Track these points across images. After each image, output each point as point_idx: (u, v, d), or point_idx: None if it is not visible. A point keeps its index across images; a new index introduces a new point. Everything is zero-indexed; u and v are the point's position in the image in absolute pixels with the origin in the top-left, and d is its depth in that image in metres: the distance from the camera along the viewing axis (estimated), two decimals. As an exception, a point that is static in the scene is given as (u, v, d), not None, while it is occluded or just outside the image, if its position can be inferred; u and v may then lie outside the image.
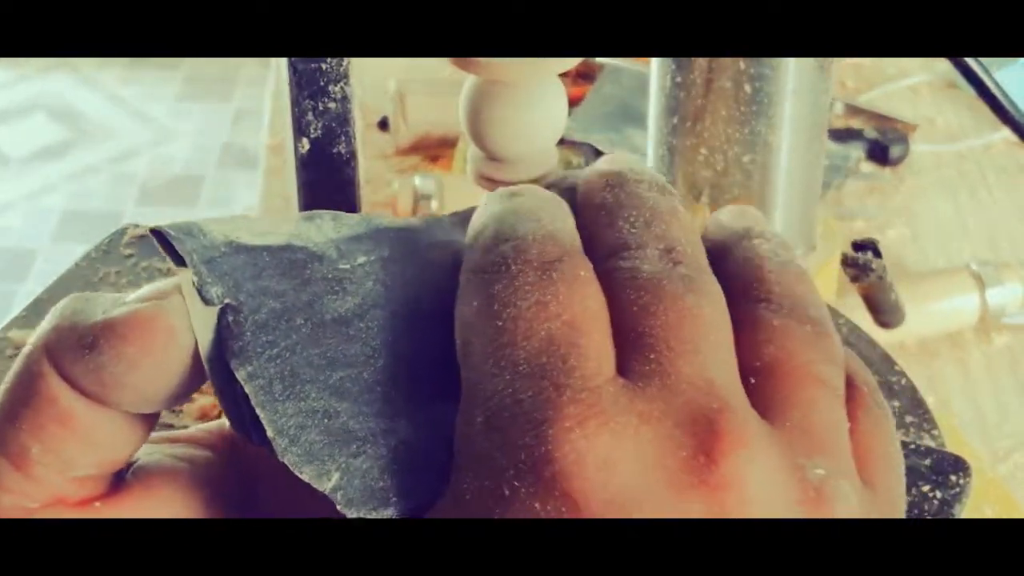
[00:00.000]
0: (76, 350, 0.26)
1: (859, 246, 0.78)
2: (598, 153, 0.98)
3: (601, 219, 0.29)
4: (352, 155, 0.39)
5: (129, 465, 0.29)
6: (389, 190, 0.98)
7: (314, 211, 0.30)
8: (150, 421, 0.28)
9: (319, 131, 0.38)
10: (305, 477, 0.26)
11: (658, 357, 0.26)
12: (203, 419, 0.60)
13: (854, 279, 0.76)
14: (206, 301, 0.27)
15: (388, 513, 0.26)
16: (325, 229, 0.30)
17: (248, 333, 0.27)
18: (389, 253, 0.30)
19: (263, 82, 2.09)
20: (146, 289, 0.27)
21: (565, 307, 0.26)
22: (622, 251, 0.28)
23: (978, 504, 0.71)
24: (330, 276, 0.29)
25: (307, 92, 0.37)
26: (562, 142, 0.63)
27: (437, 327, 0.28)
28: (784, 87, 0.64)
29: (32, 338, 0.27)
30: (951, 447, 0.46)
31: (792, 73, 0.64)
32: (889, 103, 1.12)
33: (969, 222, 0.99)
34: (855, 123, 1.08)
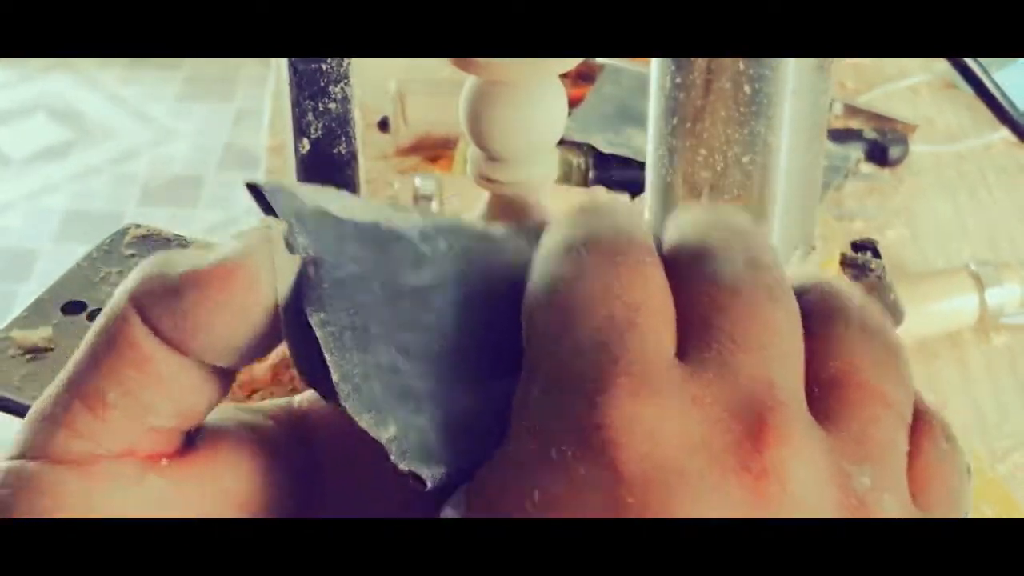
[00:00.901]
0: (161, 296, 0.27)
1: (858, 246, 0.78)
2: (598, 153, 0.98)
3: (689, 242, 0.29)
4: (353, 155, 0.39)
5: (201, 428, 0.29)
6: (389, 190, 0.98)
7: (404, 204, 0.31)
8: (227, 378, 0.29)
9: (319, 131, 0.38)
10: (363, 424, 0.27)
11: (720, 348, 0.26)
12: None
13: (853, 279, 0.76)
14: (292, 249, 0.28)
15: (439, 471, 0.27)
16: (412, 218, 0.31)
17: (326, 284, 0.28)
18: (471, 245, 0.31)
19: (264, 82, 2.09)
20: (233, 241, 0.28)
21: (627, 289, 0.27)
22: (707, 255, 0.28)
23: (977, 504, 0.71)
24: (411, 255, 0.30)
25: (307, 93, 0.37)
26: (562, 142, 0.63)
27: (509, 312, 0.29)
28: (783, 88, 0.64)
29: (119, 289, 0.28)
30: (950, 446, 0.46)
31: (791, 74, 0.64)
32: (888, 104, 1.12)
33: (968, 222, 0.99)
34: (854, 124, 1.08)
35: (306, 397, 0.32)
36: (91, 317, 0.50)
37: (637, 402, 0.25)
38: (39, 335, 0.49)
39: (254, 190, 0.29)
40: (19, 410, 0.47)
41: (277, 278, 0.28)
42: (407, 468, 0.27)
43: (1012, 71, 1.09)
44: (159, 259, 0.28)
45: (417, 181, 0.93)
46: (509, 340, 0.28)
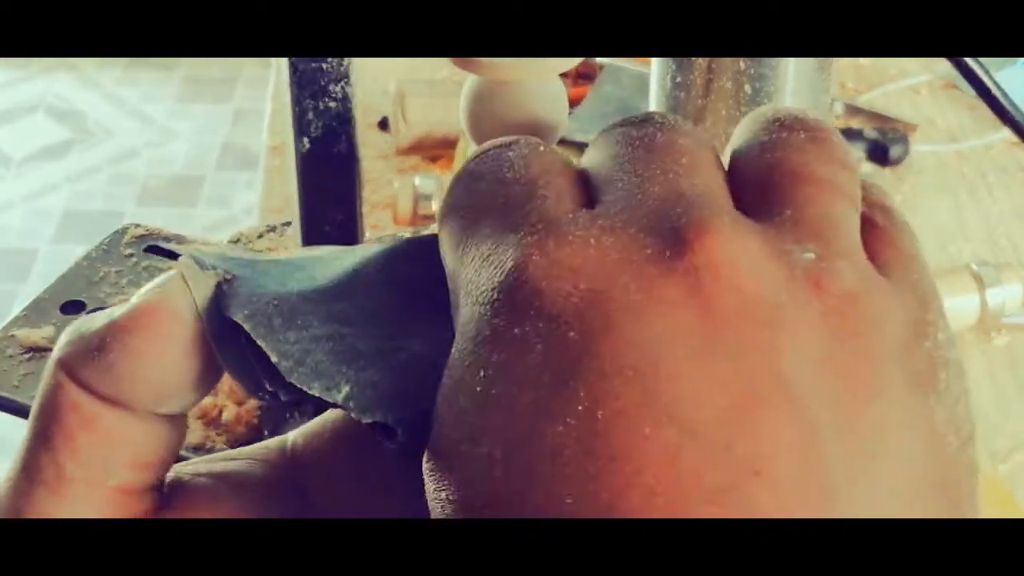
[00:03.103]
0: (86, 355, 0.27)
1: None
2: (598, 153, 0.98)
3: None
4: (353, 155, 0.39)
5: (174, 486, 0.29)
6: (389, 190, 0.98)
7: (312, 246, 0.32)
8: (178, 422, 0.28)
9: (320, 131, 0.38)
10: (315, 392, 0.26)
11: (625, 184, 0.26)
12: (204, 418, 0.60)
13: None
14: (203, 267, 0.28)
15: (404, 415, 0.26)
16: (322, 249, 0.30)
17: (242, 291, 0.27)
18: (374, 247, 0.31)
19: (264, 82, 2.10)
20: (146, 286, 0.28)
21: (530, 163, 0.27)
22: (601, 136, 0.29)
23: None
24: (327, 261, 0.29)
25: (308, 92, 0.37)
26: (562, 142, 0.63)
27: (439, 267, 0.29)
28: (784, 87, 0.64)
29: (48, 361, 0.28)
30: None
31: (792, 73, 0.64)
32: (889, 103, 1.12)
33: (969, 222, 0.99)
34: (855, 123, 1.08)
35: (300, 433, 0.31)
36: (91, 317, 0.50)
37: (547, 248, 0.25)
38: (41, 334, 0.49)
39: (156, 250, 0.29)
40: (19, 410, 0.47)
41: (196, 301, 0.27)
42: (372, 420, 0.26)
43: (1014, 71, 1.10)
44: (78, 322, 0.28)
45: (417, 181, 0.93)
46: (443, 293, 0.28)
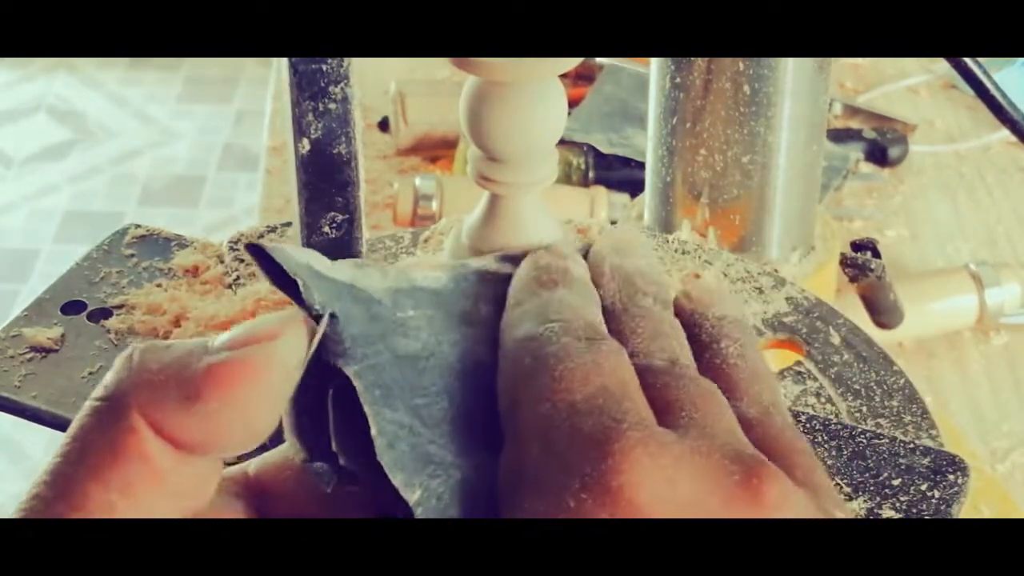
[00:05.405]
0: (178, 402, 0.26)
1: (858, 246, 0.78)
2: (598, 153, 0.98)
3: (615, 318, 0.33)
4: (353, 156, 0.40)
5: None
6: (389, 190, 0.98)
7: (358, 260, 0.32)
8: (220, 463, 0.28)
9: (319, 132, 0.38)
10: (396, 482, 0.27)
11: (689, 416, 0.29)
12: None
13: (853, 279, 0.76)
14: (309, 309, 0.27)
15: None
16: (375, 277, 0.31)
17: (348, 341, 0.28)
18: (432, 313, 0.31)
19: (265, 83, 2.10)
20: (237, 331, 0.27)
21: (616, 369, 0.29)
22: (633, 356, 0.31)
23: (976, 503, 0.71)
24: (389, 319, 0.30)
25: (308, 93, 0.38)
26: (562, 142, 0.63)
27: (482, 381, 0.30)
28: (783, 88, 0.64)
29: (104, 391, 0.27)
30: (949, 447, 0.46)
31: (790, 74, 0.64)
32: (888, 104, 1.12)
33: (967, 222, 1.00)
34: (854, 124, 1.08)
35: (260, 461, 0.31)
36: (91, 317, 0.50)
37: (648, 451, 0.26)
38: (47, 334, 0.49)
39: (255, 250, 0.28)
40: (19, 410, 0.47)
41: (307, 352, 0.27)
42: None
43: (1012, 71, 1.10)
44: (154, 357, 0.26)
45: (417, 181, 0.93)
46: (487, 410, 0.29)
